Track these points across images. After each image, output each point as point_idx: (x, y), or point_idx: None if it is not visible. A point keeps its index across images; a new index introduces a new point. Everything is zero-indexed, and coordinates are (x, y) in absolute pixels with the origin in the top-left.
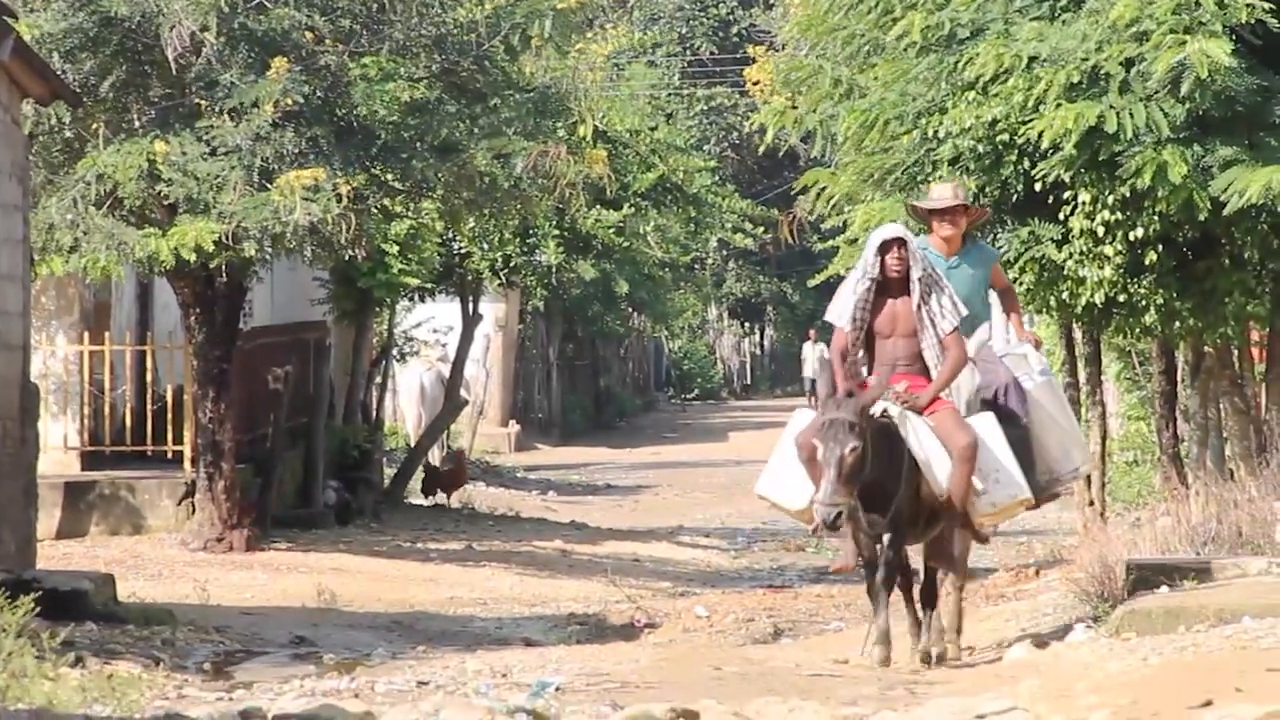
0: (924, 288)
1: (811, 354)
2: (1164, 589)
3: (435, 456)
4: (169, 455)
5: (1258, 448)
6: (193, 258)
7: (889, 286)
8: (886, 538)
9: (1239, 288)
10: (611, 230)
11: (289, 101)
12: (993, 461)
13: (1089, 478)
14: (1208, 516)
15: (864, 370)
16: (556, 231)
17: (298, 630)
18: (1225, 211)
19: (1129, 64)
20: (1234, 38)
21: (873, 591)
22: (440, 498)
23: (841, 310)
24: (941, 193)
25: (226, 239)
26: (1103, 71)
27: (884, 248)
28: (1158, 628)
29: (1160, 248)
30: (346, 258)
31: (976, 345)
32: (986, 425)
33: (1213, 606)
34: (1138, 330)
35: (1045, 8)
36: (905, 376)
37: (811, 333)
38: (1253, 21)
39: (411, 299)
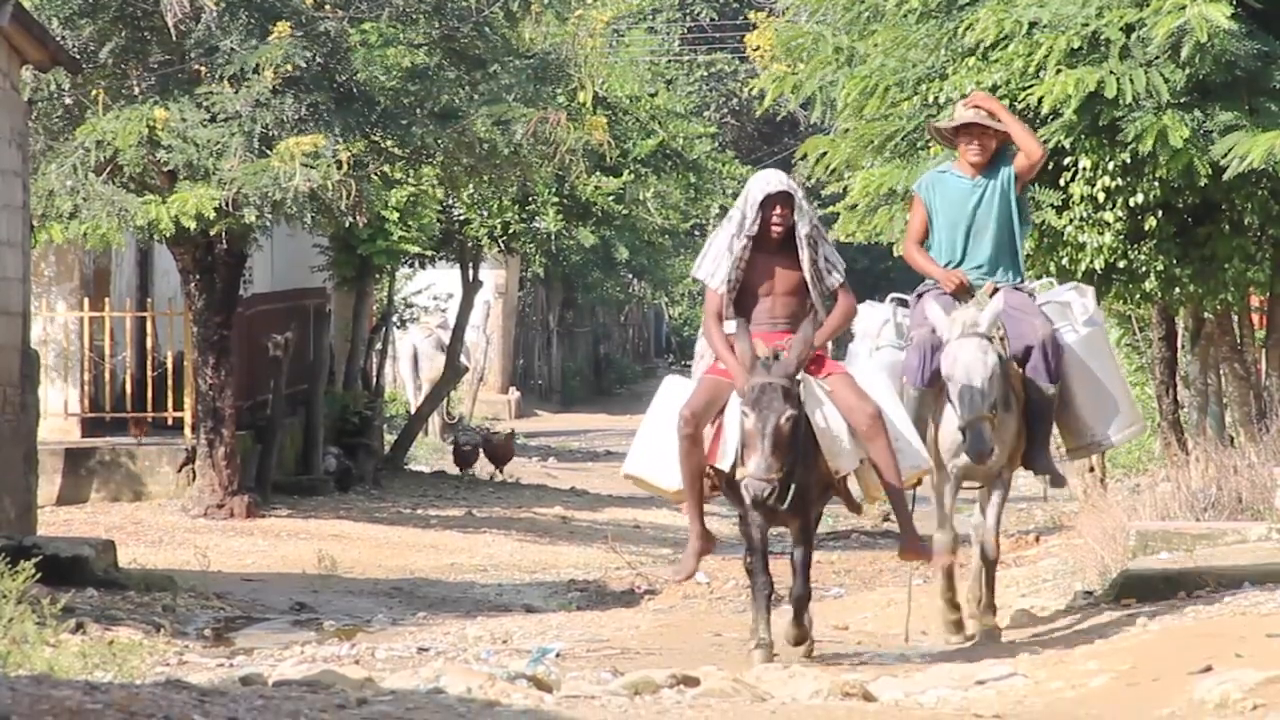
0: (811, 244)
1: None
2: (1164, 555)
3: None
4: (169, 422)
5: (1258, 414)
6: (193, 225)
7: (766, 242)
8: (793, 526)
9: (1239, 253)
10: (611, 197)
11: (289, 68)
12: (891, 430)
13: None
14: (1208, 482)
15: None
16: (556, 198)
17: (298, 597)
18: (1225, 177)
19: (1129, 29)
20: (1234, 1)
21: (758, 588)
22: (475, 470)
23: (714, 269)
24: (962, 111)
25: (226, 206)
26: (1103, 37)
27: (767, 203)
28: (1157, 594)
29: (1160, 214)
30: (346, 224)
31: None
32: (881, 388)
33: (1213, 572)
34: (1138, 296)
35: None
36: (784, 335)
37: None
38: None
39: (411, 266)
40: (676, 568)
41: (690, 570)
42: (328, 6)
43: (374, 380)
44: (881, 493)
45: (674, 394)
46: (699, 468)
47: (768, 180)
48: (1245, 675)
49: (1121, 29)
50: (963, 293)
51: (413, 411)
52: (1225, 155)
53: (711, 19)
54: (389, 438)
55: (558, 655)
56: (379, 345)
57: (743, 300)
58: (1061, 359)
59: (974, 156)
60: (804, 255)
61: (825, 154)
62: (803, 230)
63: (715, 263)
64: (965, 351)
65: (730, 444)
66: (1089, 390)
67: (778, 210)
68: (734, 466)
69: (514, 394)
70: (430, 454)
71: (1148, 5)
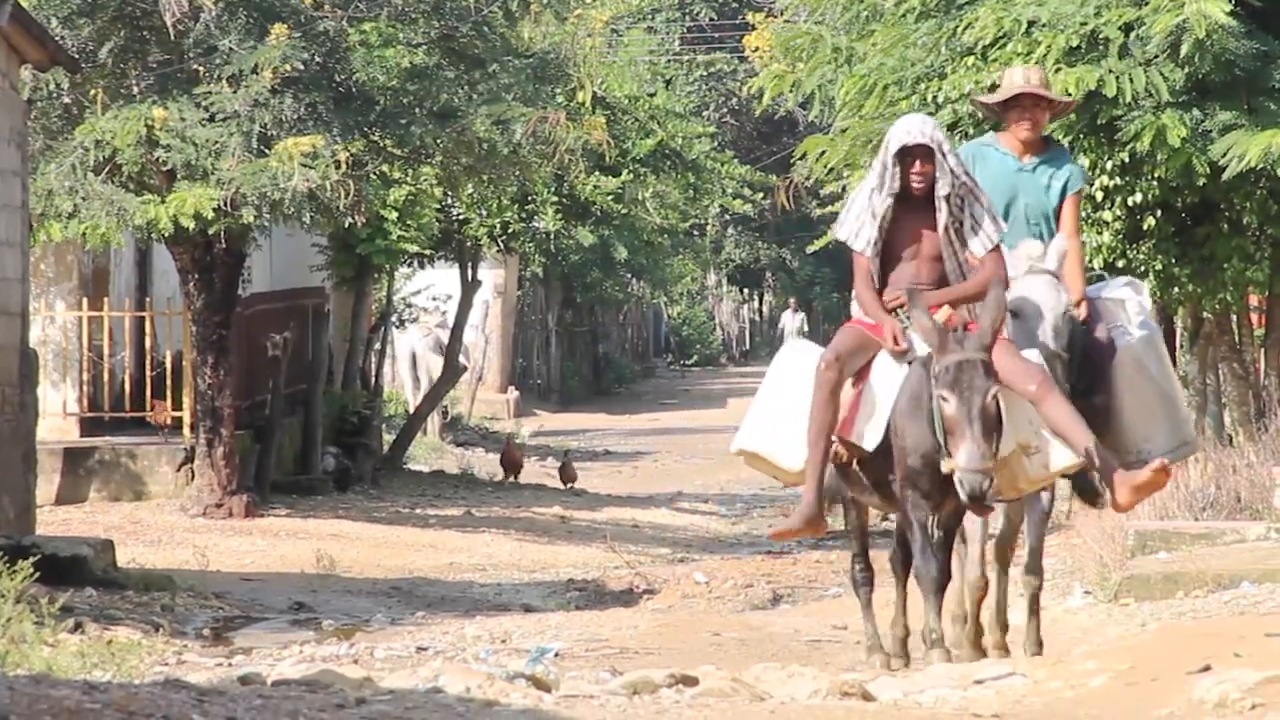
0: (953, 206)
1: (790, 324)
2: (1163, 554)
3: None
4: (169, 422)
5: (1256, 413)
6: (192, 224)
7: (908, 198)
8: (944, 521)
9: (1238, 253)
10: (610, 196)
11: (288, 67)
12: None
13: None
14: (1206, 482)
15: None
16: (555, 198)
17: (297, 596)
18: (1224, 176)
19: (1128, 28)
20: (1234, 2)
21: (928, 580)
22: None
23: (856, 229)
24: (1014, 80)
25: (225, 205)
26: (1101, 35)
27: (904, 156)
28: (1156, 593)
29: (1159, 213)
30: (345, 224)
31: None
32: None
33: (1211, 572)
34: None
35: None
36: (935, 309)
37: (792, 301)
38: None
39: (410, 265)
40: (780, 524)
41: (792, 530)
42: (326, 6)
43: (373, 380)
44: (1025, 483)
45: (797, 359)
46: (830, 424)
47: (907, 129)
48: (1244, 675)
49: (1120, 27)
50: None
51: (411, 411)
52: (1224, 155)
53: (711, 19)
54: (388, 437)
55: (556, 655)
56: (378, 345)
57: (884, 263)
58: (1111, 362)
59: (1025, 133)
60: (941, 216)
61: (824, 153)
62: (942, 189)
63: (858, 221)
64: (1034, 286)
65: (878, 419)
66: (1140, 400)
67: (917, 166)
68: (880, 445)
69: (513, 394)
70: (429, 454)
71: (1146, 3)
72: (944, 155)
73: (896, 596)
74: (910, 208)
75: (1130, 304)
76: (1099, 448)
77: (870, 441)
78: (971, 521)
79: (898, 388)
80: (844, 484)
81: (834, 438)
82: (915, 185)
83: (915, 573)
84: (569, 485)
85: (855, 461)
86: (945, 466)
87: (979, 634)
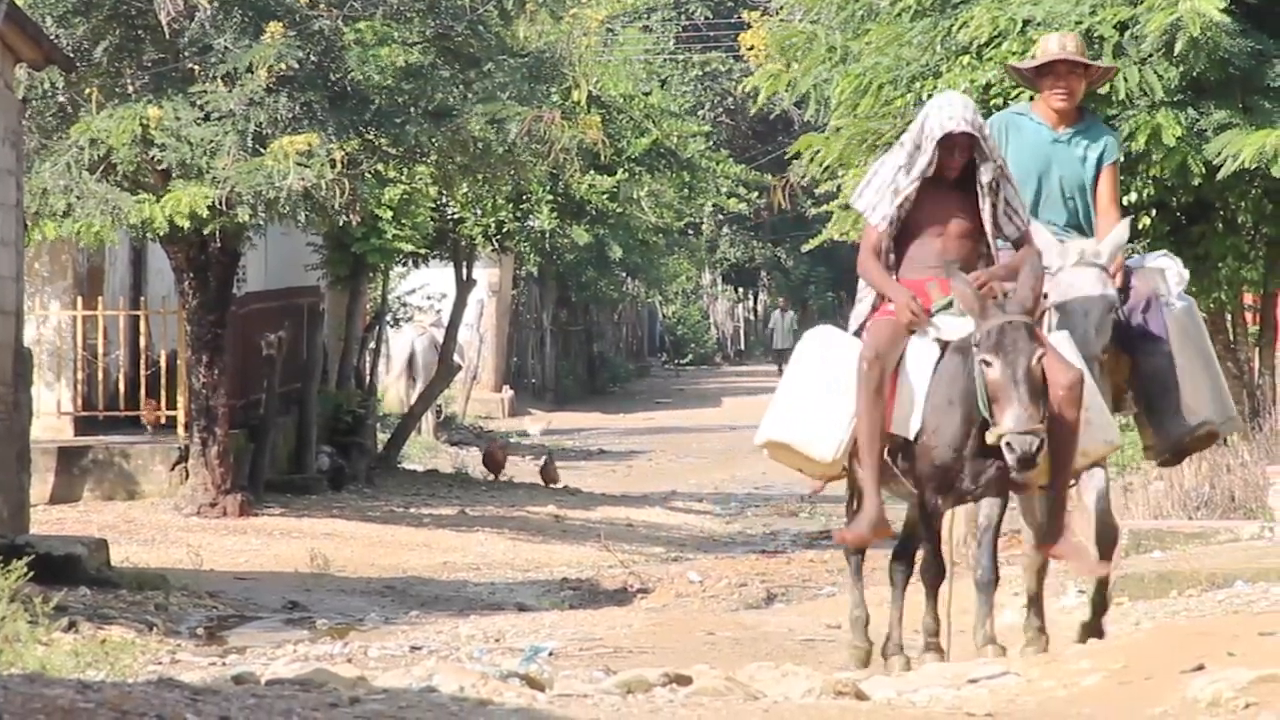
0: (993, 190)
1: (781, 324)
2: (1157, 553)
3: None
4: (163, 420)
5: (1251, 412)
6: (187, 224)
7: (939, 178)
8: (988, 505)
9: (1232, 252)
10: (605, 195)
11: (283, 66)
12: (1091, 385)
13: None
14: (1200, 481)
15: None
16: (550, 197)
17: (291, 595)
18: (1219, 175)
19: (1123, 26)
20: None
21: (982, 581)
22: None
23: (875, 202)
24: (1049, 46)
25: (220, 204)
26: (1097, 34)
27: (947, 143)
28: (1150, 592)
29: (1154, 212)
30: (340, 223)
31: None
32: (1062, 344)
33: (1205, 570)
34: None
35: None
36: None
37: (781, 301)
38: None
39: (405, 264)
40: (846, 530)
41: (861, 536)
42: (322, 5)
43: (367, 379)
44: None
45: (825, 346)
46: (881, 422)
47: (950, 113)
48: (1238, 674)
49: (1115, 26)
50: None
51: (406, 410)
52: (1219, 154)
53: (706, 18)
54: (382, 436)
55: (550, 654)
56: (373, 344)
57: (902, 237)
58: (1160, 328)
59: (1059, 101)
60: (984, 204)
61: (819, 152)
62: (985, 176)
63: (878, 195)
64: (1081, 281)
65: (916, 406)
66: (1186, 370)
67: (956, 154)
68: (918, 434)
69: (508, 393)
70: (423, 453)
71: (1141, 2)
72: (984, 140)
73: (894, 604)
74: (936, 188)
75: (1170, 273)
76: (1065, 487)
77: (912, 429)
78: (1022, 500)
79: (930, 372)
80: (894, 479)
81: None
82: (950, 172)
83: (922, 573)
84: (550, 485)
85: (888, 451)
86: (991, 436)
87: (1040, 607)
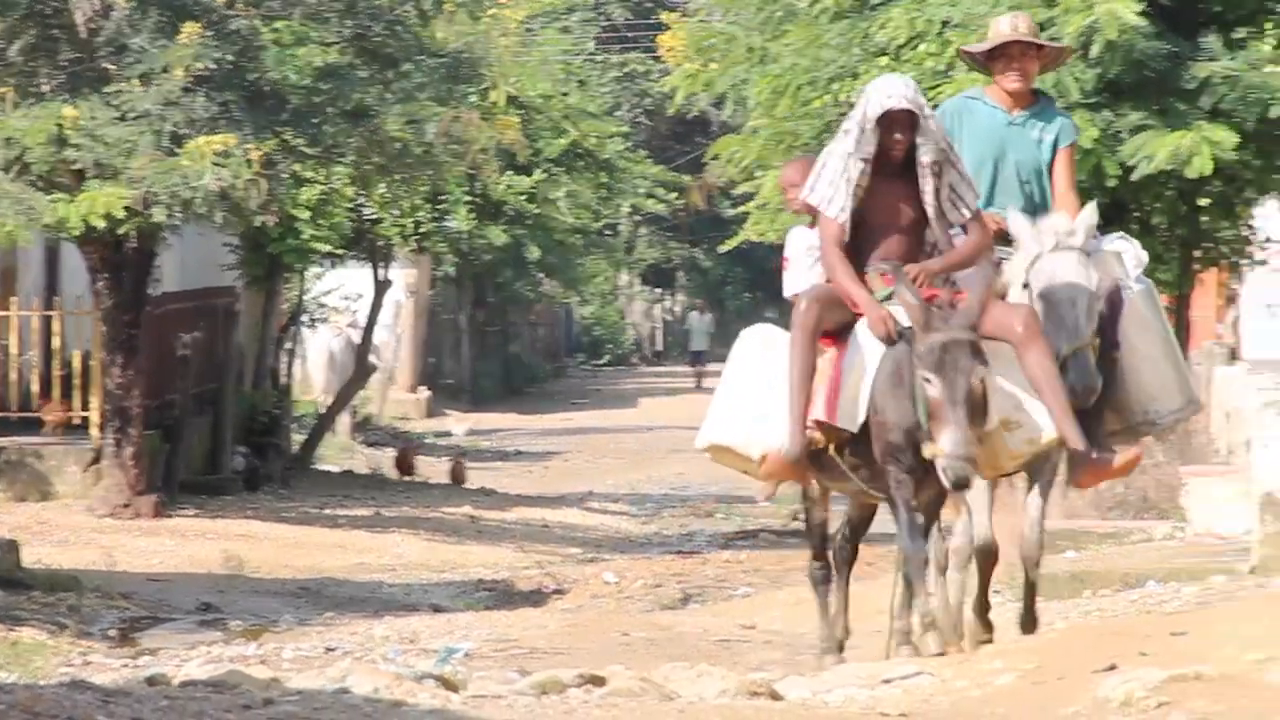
0: (935, 171)
1: (698, 325)
2: (1070, 553)
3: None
4: (76, 421)
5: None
6: (102, 224)
7: (883, 165)
8: (972, 500)
9: (1147, 254)
10: (523, 196)
11: (200, 66)
12: (1021, 382)
13: None
14: (1114, 482)
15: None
16: (468, 197)
17: (205, 597)
18: (1134, 177)
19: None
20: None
21: (914, 571)
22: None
23: (830, 195)
24: (1000, 28)
25: (136, 205)
26: None
27: (885, 121)
28: (1064, 592)
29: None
30: (257, 223)
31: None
32: None
33: (1118, 571)
34: None
35: None
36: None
37: (698, 303)
38: None
39: (322, 265)
40: (770, 459)
41: (781, 466)
42: (239, 5)
43: (283, 380)
44: (1007, 459)
45: (764, 346)
46: (811, 367)
47: (888, 92)
48: (1149, 674)
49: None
50: (999, 239)
51: (322, 411)
52: (1134, 156)
53: (625, 19)
54: (298, 437)
55: (465, 655)
56: (289, 345)
57: (855, 237)
58: (1119, 316)
59: (1012, 83)
60: (926, 185)
61: (737, 153)
62: (926, 156)
63: (832, 187)
64: (1063, 267)
65: (860, 397)
66: (1146, 356)
67: (897, 132)
68: (868, 416)
69: (424, 393)
70: (339, 454)
71: (1057, 4)
72: (926, 119)
73: (838, 594)
74: (883, 175)
75: (1128, 256)
76: (1069, 418)
77: (853, 422)
78: (977, 491)
79: (876, 362)
80: (818, 474)
81: (813, 422)
82: (896, 152)
83: (902, 554)
84: (458, 485)
85: (833, 447)
86: (927, 451)
87: (986, 607)
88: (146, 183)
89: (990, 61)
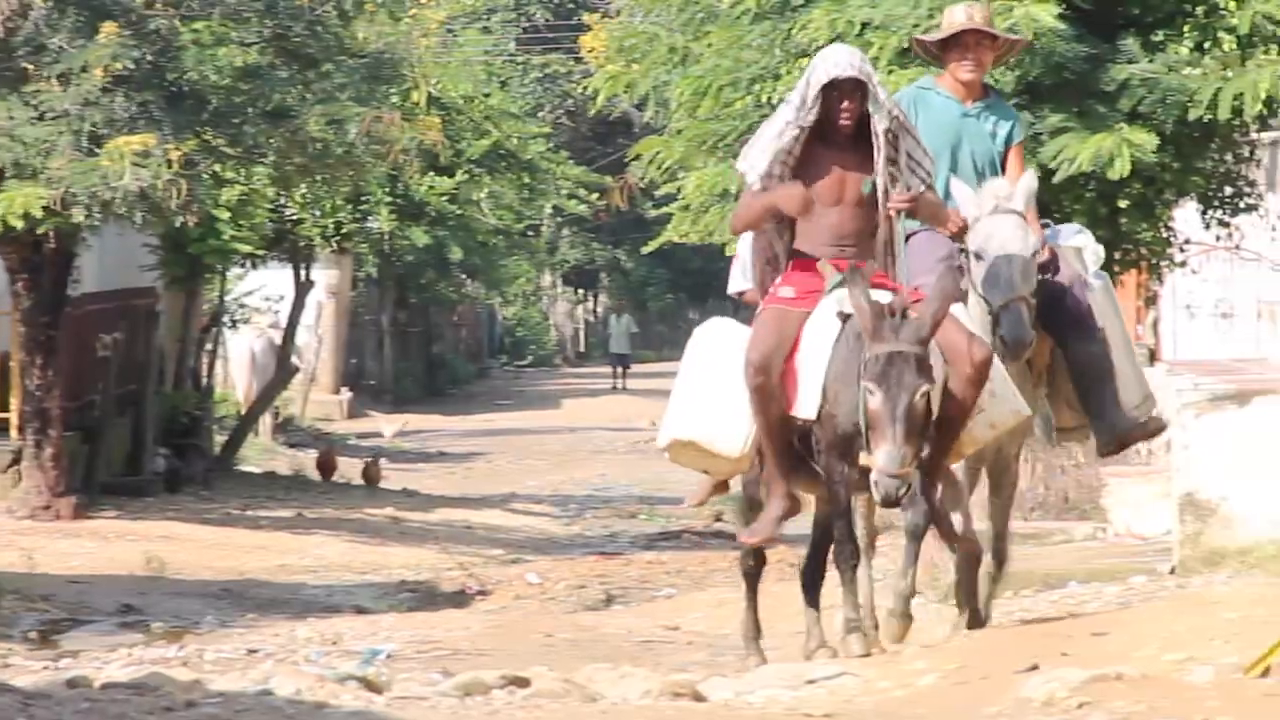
0: (890, 140)
1: (617, 327)
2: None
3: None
4: None
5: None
6: (20, 224)
7: (832, 136)
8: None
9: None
10: (445, 197)
11: (119, 66)
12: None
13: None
14: (1035, 482)
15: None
16: (389, 198)
17: (126, 599)
18: (1054, 179)
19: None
20: (1063, 2)
21: (846, 562)
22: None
23: (756, 161)
24: (955, 16)
25: (55, 205)
26: None
27: (831, 90)
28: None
29: None
30: (177, 224)
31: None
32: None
33: (1040, 571)
34: None
35: None
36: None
37: (618, 304)
38: None
39: (243, 265)
40: (749, 530)
41: (767, 535)
42: (158, 5)
43: (204, 381)
44: (969, 444)
45: (720, 339)
46: (778, 418)
47: (835, 60)
48: (1071, 674)
49: None
50: (962, 235)
51: (244, 412)
52: (1054, 158)
53: (546, 20)
54: (219, 438)
55: (388, 656)
56: (210, 345)
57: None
58: (1088, 310)
59: (967, 73)
60: (879, 154)
61: (659, 154)
62: (880, 124)
63: (761, 154)
64: (1000, 226)
65: (810, 388)
66: (1114, 350)
67: (845, 101)
68: (820, 406)
69: (346, 394)
70: (261, 455)
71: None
72: (875, 88)
73: (811, 612)
74: (832, 147)
75: (1087, 251)
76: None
77: (809, 409)
78: (955, 485)
79: (829, 353)
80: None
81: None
82: (843, 122)
83: (836, 556)
84: (371, 486)
85: (796, 439)
86: (864, 460)
87: (973, 595)
88: (65, 183)
89: (944, 51)
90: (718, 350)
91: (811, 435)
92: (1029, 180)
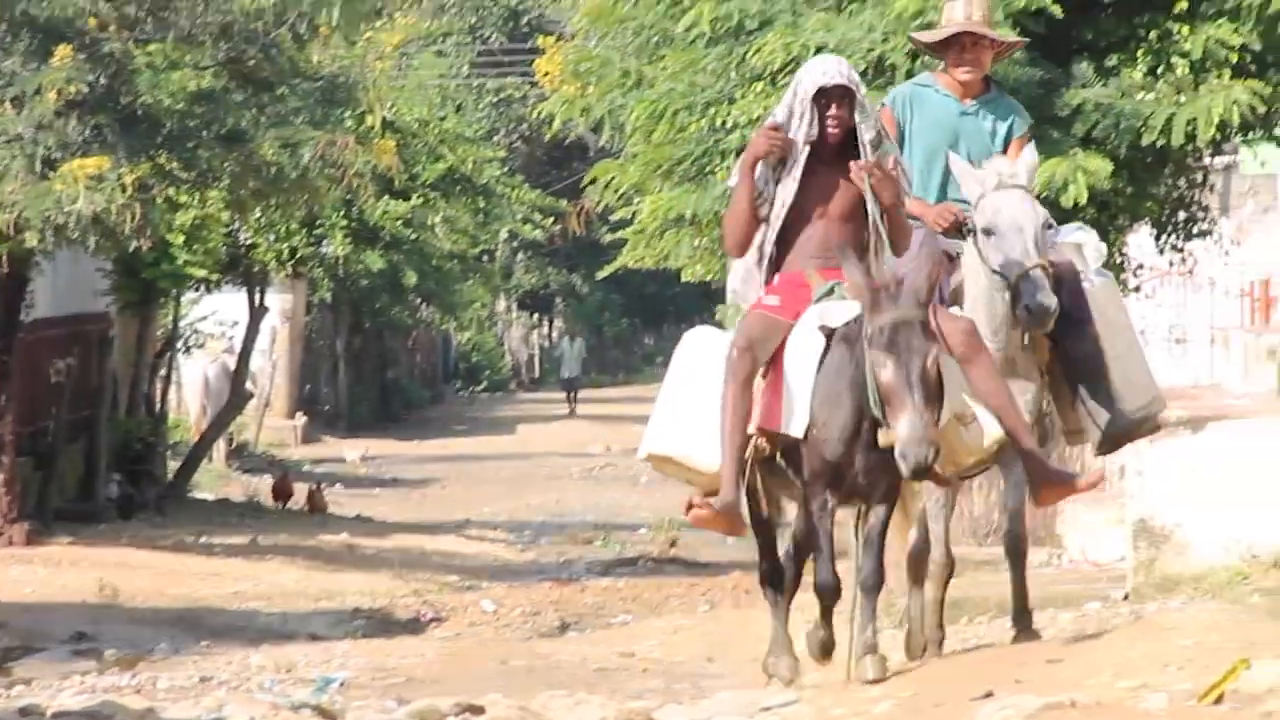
0: (875, 148)
1: (569, 352)
2: None
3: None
4: None
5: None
6: None
7: (817, 147)
8: (876, 512)
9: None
10: (399, 221)
11: (73, 89)
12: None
13: None
14: (990, 508)
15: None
16: (344, 222)
17: (79, 626)
18: None
19: (914, 54)
20: (1017, 26)
21: (824, 592)
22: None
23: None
24: (954, 15)
25: (7, 229)
26: (889, 62)
27: (824, 98)
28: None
29: None
30: (131, 248)
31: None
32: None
33: (995, 598)
34: None
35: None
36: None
37: (571, 329)
38: (1034, 10)
39: (197, 290)
40: (699, 512)
41: (710, 518)
42: (112, 28)
43: (158, 406)
44: (964, 455)
45: (701, 352)
46: (746, 415)
47: (823, 69)
48: (1025, 701)
49: (907, 54)
50: (956, 231)
51: (197, 439)
52: None
53: (501, 44)
54: (173, 464)
55: (342, 684)
56: (163, 371)
57: (788, 224)
58: (1085, 310)
59: (965, 74)
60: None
61: (614, 178)
62: (868, 134)
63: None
64: (1007, 199)
65: (802, 402)
66: (1117, 348)
67: (833, 108)
68: (807, 430)
69: (300, 420)
70: (215, 481)
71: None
72: (864, 99)
73: (780, 619)
74: (819, 159)
75: (1088, 248)
76: (1023, 423)
77: (798, 428)
78: (932, 500)
79: (815, 364)
80: (768, 482)
81: (757, 429)
82: (831, 131)
83: (817, 583)
84: (314, 513)
85: (779, 454)
86: (884, 439)
87: (942, 616)
88: (18, 207)
89: (944, 50)
90: (700, 363)
91: (790, 454)
92: (1030, 156)
